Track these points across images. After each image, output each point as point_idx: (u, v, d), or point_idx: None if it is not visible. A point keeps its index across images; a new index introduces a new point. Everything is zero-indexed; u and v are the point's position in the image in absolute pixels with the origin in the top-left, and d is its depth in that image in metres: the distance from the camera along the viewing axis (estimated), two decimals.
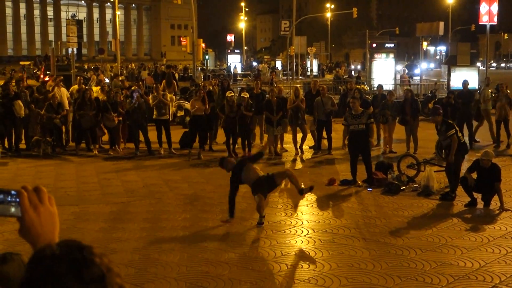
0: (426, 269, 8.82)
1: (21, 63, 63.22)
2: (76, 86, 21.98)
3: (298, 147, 19.17)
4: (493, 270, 8.76)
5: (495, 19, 34.41)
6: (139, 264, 9.22)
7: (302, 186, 11.67)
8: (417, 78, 43.02)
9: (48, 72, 34.36)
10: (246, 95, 19.13)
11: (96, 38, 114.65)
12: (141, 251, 9.84)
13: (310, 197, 13.62)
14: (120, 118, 19.48)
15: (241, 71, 65.07)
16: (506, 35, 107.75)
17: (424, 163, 15.26)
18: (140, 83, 24.98)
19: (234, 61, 70.28)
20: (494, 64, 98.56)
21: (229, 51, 77.53)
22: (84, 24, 70.41)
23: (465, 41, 51.77)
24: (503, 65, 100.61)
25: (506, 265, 9.01)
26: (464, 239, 10.39)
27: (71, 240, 1.66)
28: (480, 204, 12.47)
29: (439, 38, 62.31)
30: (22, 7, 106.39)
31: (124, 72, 50.36)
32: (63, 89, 21.28)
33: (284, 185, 14.83)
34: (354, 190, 14.26)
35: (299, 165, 17.90)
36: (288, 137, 20.11)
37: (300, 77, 54.82)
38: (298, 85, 30.28)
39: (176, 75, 41.60)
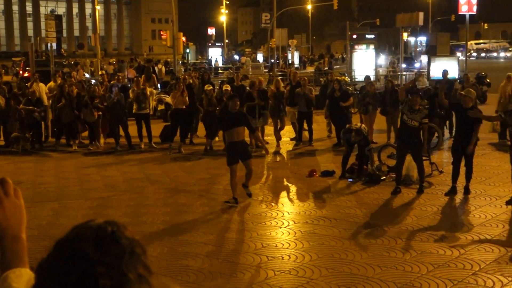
0: (406, 258, 8.84)
1: (14, 59, 62.54)
2: (52, 83, 21.78)
3: (279, 142, 19.14)
4: (472, 257, 8.80)
5: (474, 8, 34.54)
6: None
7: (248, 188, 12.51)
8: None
9: (27, 68, 34.10)
10: (227, 87, 19.07)
11: (76, 33, 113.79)
12: None
13: (290, 189, 13.62)
14: (100, 113, 19.35)
15: (222, 64, 64.87)
16: (486, 24, 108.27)
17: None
18: (120, 76, 24.77)
19: (215, 54, 70.05)
20: (475, 54, 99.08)
21: (210, 44, 77.29)
22: (64, 19, 69.86)
23: (445, 31, 52.06)
24: (483, 54, 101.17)
25: (486, 252, 9.05)
26: (444, 227, 10.43)
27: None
28: (460, 194, 12.52)
29: (419, 29, 62.43)
30: (1, 2, 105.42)
31: (105, 67, 50.02)
32: (41, 85, 21.11)
33: (265, 179, 14.84)
34: (334, 181, 14.26)
35: (279, 157, 17.88)
36: (269, 129, 20.08)
37: (281, 70, 54.75)
38: (279, 78, 30.22)
39: (163, 69, 41.41)
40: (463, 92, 12.96)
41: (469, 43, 56.35)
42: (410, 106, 12.95)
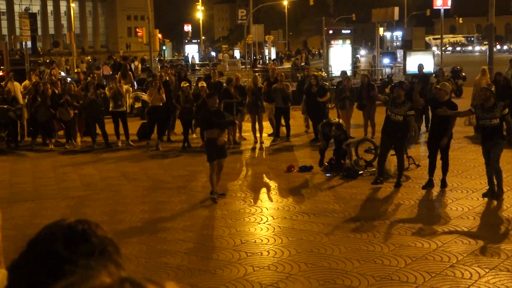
0: (385, 251, 8.88)
1: None
2: (27, 81, 21.57)
3: (257, 137, 19.12)
4: (450, 250, 8.87)
5: (449, 3, 34.82)
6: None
7: (217, 190, 12.38)
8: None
9: (2, 67, 33.73)
10: (203, 84, 19.02)
11: (51, 31, 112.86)
12: None
13: (269, 185, 13.63)
14: (76, 112, 19.21)
15: (199, 61, 64.72)
16: (461, 19, 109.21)
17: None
18: (95, 74, 24.60)
19: (192, 51, 69.90)
20: (450, 48, 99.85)
21: (186, 41, 77.08)
22: (38, 17, 69.22)
23: (421, 26, 52.38)
24: (458, 48, 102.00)
25: (463, 244, 9.13)
26: (422, 220, 10.50)
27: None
28: (437, 187, 12.62)
29: (395, 24, 62.77)
30: None
31: (81, 64, 49.66)
32: (16, 83, 20.91)
33: (243, 175, 14.84)
34: (312, 176, 14.29)
35: (257, 153, 17.89)
36: (246, 125, 20.07)
37: (258, 66, 54.77)
38: (256, 74, 30.21)
39: (139, 66, 41.21)
40: (438, 86, 13.08)
41: (426, 38, 56.77)
42: (393, 100, 13.06)
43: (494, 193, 11.66)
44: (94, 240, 1.52)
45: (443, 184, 12.59)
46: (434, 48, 48.46)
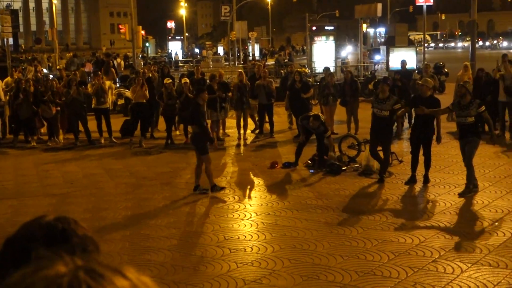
0: (368, 247, 8.91)
1: None
2: (9, 78, 21.40)
3: (240, 133, 19.10)
4: (432, 245, 8.92)
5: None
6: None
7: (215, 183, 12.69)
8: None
9: None
10: (186, 80, 18.98)
11: (33, 28, 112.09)
12: None
13: (252, 181, 13.63)
14: (58, 108, 19.10)
15: (182, 58, 64.54)
16: (443, 15, 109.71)
17: (364, 143, 15.42)
18: (81, 70, 24.49)
19: (175, 48, 69.65)
20: (433, 44, 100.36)
21: (169, 38, 76.78)
22: (20, 14, 68.75)
23: (404, 22, 52.53)
24: (441, 45, 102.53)
25: (445, 239, 9.18)
26: (404, 215, 10.55)
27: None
28: (420, 183, 12.67)
29: (378, 20, 62.93)
30: None
31: (60, 64, 49.33)
32: None
33: (226, 172, 14.81)
34: (296, 173, 14.31)
35: (241, 150, 17.88)
36: (230, 122, 20.05)
37: (241, 62, 54.74)
38: (240, 70, 30.20)
39: (121, 63, 40.97)
40: (420, 82, 13.15)
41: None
42: (377, 96, 13.18)
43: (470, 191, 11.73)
44: (75, 240, 1.50)
45: (426, 179, 12.65)
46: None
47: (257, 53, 65.49)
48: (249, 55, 57.84)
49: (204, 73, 24.64)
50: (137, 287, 1.06)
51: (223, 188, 12.76)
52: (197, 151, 12.63)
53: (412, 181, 12.70)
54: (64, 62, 45.50)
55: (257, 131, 19.74)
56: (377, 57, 43.68)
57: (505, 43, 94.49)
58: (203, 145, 12.52)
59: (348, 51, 44.05)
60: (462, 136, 11.96)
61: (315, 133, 14.56)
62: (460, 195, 11.62)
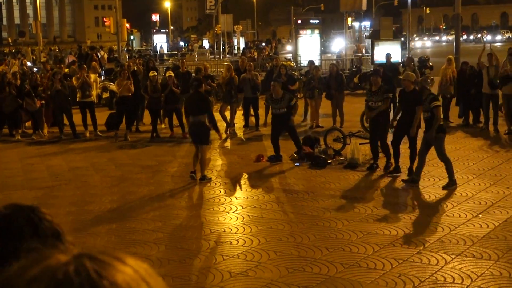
0: (353, 239, 8.96)
1: None
2: None
3: (228, 121, 19.01)
4: (417, 236, 8.99)
5: None
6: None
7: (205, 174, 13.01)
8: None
9: None
10: (170, 73, 18.94)
11: (17, 20, 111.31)
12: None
13: (238, 174, 13.64)
14: (43, 102, 19.00)
15: (167, 51, 64.33)
16: (428, 9, 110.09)
17: (349, 136, 15.49)
18: (62, 65, 24.38)
19: (160, 41, 69.38)
20: (417, 38, 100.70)
21: (154, 31, 76.49)
22: (4, 7, 68.21)
23: (389, 16, 52.64)
24: (425, 38, 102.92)
25: (430, 231, 9.25)
26: (389, 208, 10.61)
27: (16, 203, 1.64)
28: (404, 175, 12.74)
29: (363, 14, 63.07)
30: None
31: (43, 56, 49.07)
32: None
33: (212, 165, 14.82)
34: (281, 166, 14.34)
35: (227, 143, 17.87)
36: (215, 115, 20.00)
37: (227, 55, 54.69)
38: (227, 63, 30.17)
39: (105, 56, 40.78)
40: (402, 77, 13.27)
41: None
42: (369, 89, 13.41)
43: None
44: (46, 225, 1.53)
45: (410, 172, 12.72)
46: (402, 38, 48.79)
47: (242, 47, 65.33)
48: (234, 49, 57.74)
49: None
50: (138, 273, 1.07)
51: (210, 179, 12.96)
52: (200, 141, 12.91)
53: (396, 171, 12.82)
54: (43, 55, 45.26)
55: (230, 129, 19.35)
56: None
57: (489, 37, 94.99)
58: (207, 134, 12.99)
59: (342, 45, 43.81)
60: (425, 131, 12.10)
61: (286, 127, 14.50)
62: (444, 187, 11.71)
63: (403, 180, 12.29)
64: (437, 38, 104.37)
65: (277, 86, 14.64)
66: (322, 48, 40.35)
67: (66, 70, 24.53)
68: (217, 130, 13.60)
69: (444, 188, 11.71)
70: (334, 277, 7.58)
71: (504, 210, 10.18)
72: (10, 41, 64.39)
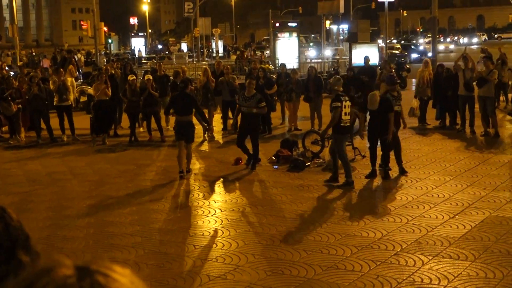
0: (331, 241, 9.00)
1: None
2: None
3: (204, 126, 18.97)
4: (394, 238, 9.04)
5: None
6: (43, 253, 8.92)
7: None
8: None
9: None
10: (149, 77, 18.89)
11: None
12: (44, 240, 9.56)
13: (217, 177, 13.63)
14: (20, 106, 18.85)
15: (146, 55, 64.18)
16: (405, 12, 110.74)
17: (328, 139, 15.51)
18: (38, 69, 24.22)
19: (139, 44, 69.26)
20: (395, 41, 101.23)
21: (132, 34, 76.30)
22: None
23: (366, 19, 52.96)
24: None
25: (407, 233, 9.31)
26: (367, 210, 10.67)
27: None
28: (380, 177, 12.82)
29: (341, 17, 63.34)
30: None
31: (24, 58, 48.73)
32: None
33: (191, 167, 14.79)
34: (260, 169, 14.34)
35: (205, 146, 17.86)
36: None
37: (206, 59, 54.67)
38: (205, 67, 30.14)
39: (82, 58, 40.59)
40: (368, 97, 13.26)
41: None
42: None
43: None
44: (16, 224, 1.55)
45: (386, 175, 12.80)
46: (379, 41, 49.09)
47: (220, 50, 65.41)
48: (212, 52, 57.71)
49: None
50: (134, 284, 1.13)
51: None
52: (186, 139, 13.59)
53: (372, 175, 12.87)
54: (10, 59, 44.94)
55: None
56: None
57: (465, 40, 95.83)
58: (193, 133, 13.96)
59: (331, 48, 43.78)
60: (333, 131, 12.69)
61: (251, 131, 14.47)
62: (340, 186, 12.17)
63: (326, 181, 12.62)
64: (414, 41, 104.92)
65: (251, 84, 14.58)
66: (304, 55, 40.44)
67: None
68: (206, 121, 14.98)
69: (340, 186, 12.17)
70: (313, 279, 7.61)
71: (481, 211, 10.28)
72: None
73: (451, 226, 9.56)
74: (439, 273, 7.67)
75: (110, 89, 18.25)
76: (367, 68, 21.72)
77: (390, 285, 7.37)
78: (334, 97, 12.57)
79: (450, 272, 7.69)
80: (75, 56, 36.89)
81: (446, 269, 7.80)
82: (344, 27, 72.63)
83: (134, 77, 19.03)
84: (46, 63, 34.78)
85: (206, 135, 18.49)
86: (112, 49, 62.34)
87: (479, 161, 14.14)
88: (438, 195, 11.43)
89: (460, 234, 9.13)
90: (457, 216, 10.06)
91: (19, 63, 31.20)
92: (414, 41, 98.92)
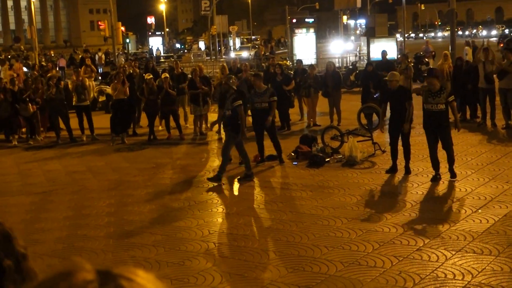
0: (352, 237, 8.91)
1: None
2: None
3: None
4: (416, 233, 8.93)
5: None
6: (63, 253, 8.98)
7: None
8: None
9: None
10: (166, 75, 18.89)
11: (12, 26, 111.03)
12: (65, 240, 9.58)
13: (237, 174, 13.58)
14: (38, 107, 18.93)
15: (163, 53, 64.32)
16: (422, 5, 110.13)
17: (347, 134, 15.42)
18: (58, 69, 24.35)
19: (156, 43, 69.42)
20: (413, 35, 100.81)
21: (150, 33, 76.51)
22: None
23: (383, 13, 52.67)
24: (421, 35, 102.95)
25: (429, 228, 9.19)
26: (388, 205, 10.56)
27: None
28: (401, 172, 12.69)
29: (358, 11, 63.07)
30: None
31: (43, 60, 48.97)
32: None
33: (210, 165, 14.76)
34: (279, 165, 14.27)
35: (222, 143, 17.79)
36: (212, 116, 19.96)
37: (223, 56, 54.68)
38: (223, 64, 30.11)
39: (103, 57, 40.76)
40: (386, 78, 13.19)
41: None
42: (428, 91, 11.98)
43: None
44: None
45: (407, 170, 12.64)
46: (397, 35, 48.77)
47: (238, 47, 65.31)
48: (230, 49, 57.67)
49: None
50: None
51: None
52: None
53: (393, 170, 12.74)
54: (15, 61, 45.21)
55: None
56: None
57: (484, 32, 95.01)
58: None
59: (355, 43, 43.13)
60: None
61: (265, 129, 14.38)
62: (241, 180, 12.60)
63: (208, 178, 12.85)
64: (432, 34, 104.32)
65: (257, 80, 14.54)
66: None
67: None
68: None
69: (240, 180, 12.64)
70: (334, 276, 7.53)
71: (504, 205, 10.14)
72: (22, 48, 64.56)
73: (474, 221, 9.43)
74: (462, 268, 7.56)
75: (128, 88, 18.27)
76: (384, 62, 21.55)
77: (413, 281, 7.27)
78: (232, 95, 12.81)
79: (474, 267, 7.57)
80: (97, 54, 37.06)
81: (470, 264, 7.68)
82: (362, 21, 72.33)
83: (151, 76, 19.02)
84: (62, 62, 34.95)
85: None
86: (130, 48, 62.54)
87: (501, 154, 13.96)
88: (460, 189, 11.29)
89: (484, 229, 9.00)
90: (480, 210, 9.93)
91: (37, 65, 31.26)
92: (433, 34, 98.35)
